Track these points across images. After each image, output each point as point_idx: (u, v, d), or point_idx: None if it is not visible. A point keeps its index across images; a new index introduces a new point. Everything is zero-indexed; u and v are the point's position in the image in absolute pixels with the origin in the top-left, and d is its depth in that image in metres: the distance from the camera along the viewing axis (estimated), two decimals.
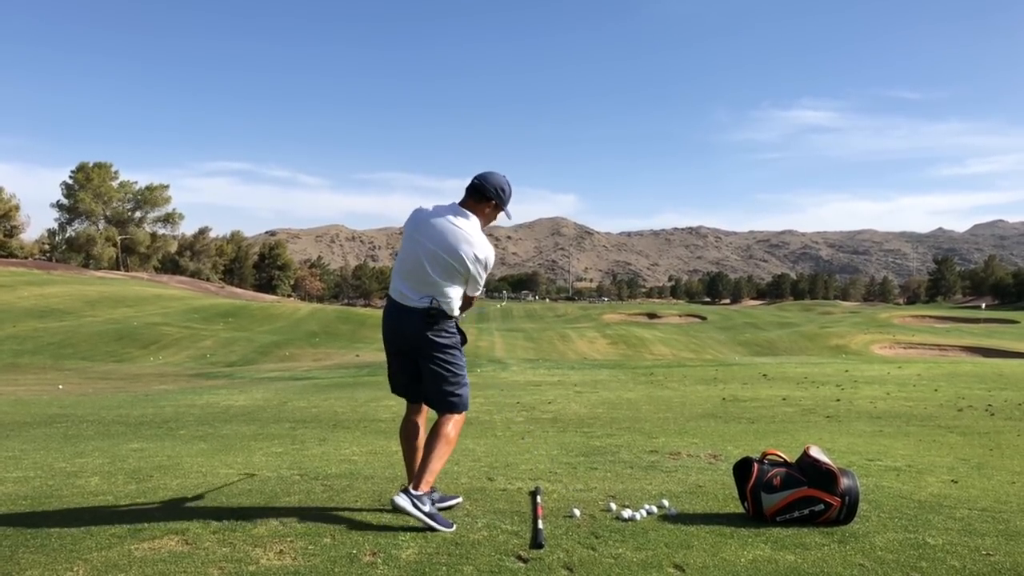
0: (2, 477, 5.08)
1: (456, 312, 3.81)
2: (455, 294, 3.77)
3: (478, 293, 3.91)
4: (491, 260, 3.78)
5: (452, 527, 3.48)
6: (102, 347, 34.17)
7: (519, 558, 3.13)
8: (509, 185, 3.84)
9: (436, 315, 3.72)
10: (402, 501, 3.50)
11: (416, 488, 3.56)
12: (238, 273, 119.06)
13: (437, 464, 3.68)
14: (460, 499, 4.01)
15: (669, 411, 9.39)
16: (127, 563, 3.06)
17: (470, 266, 3.72)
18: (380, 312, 3.81)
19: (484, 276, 3.80)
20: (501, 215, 3.90)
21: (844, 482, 3.64)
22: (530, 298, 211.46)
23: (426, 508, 3.50)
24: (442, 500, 3.89)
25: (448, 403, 3.77)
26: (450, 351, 3.79)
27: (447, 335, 3.77)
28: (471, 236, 3.71)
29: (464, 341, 3.90)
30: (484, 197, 3.79)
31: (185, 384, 18.99)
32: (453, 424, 3.77)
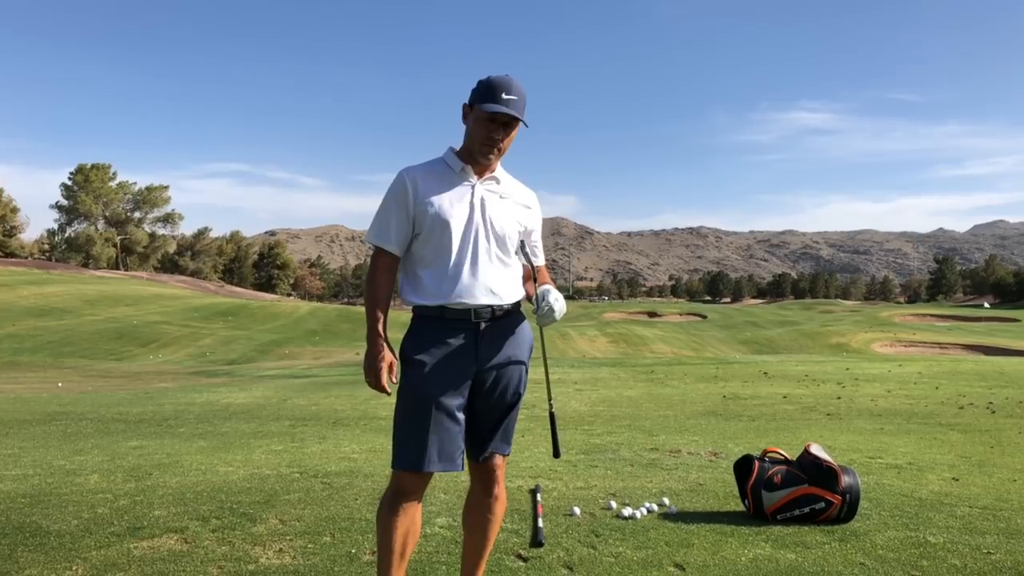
0: (1, 475, 5.06)
1: (412, 298, 2.44)
2: (408, 263, 2.51)
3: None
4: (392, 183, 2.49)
5: None
6: (101, 345, 34.17)
7: (519, 557, 3.12)
8: (496, 76, 2.37)
9: None
10: None
11: None
12: (238, 273, 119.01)
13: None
14: None
15: (669, 409, 9.36)
16: (126, 562, 3.05)
17: None
18: None
19: (379, 207, 2.49)
20: (522, 128, 2.43)
21: (845, 480, 3.62)
22: None
23: None
24: None
25: None
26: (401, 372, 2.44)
27: (404, 346, 2.46)
28: None
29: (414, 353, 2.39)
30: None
31: (185, 382, 18.96)
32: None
